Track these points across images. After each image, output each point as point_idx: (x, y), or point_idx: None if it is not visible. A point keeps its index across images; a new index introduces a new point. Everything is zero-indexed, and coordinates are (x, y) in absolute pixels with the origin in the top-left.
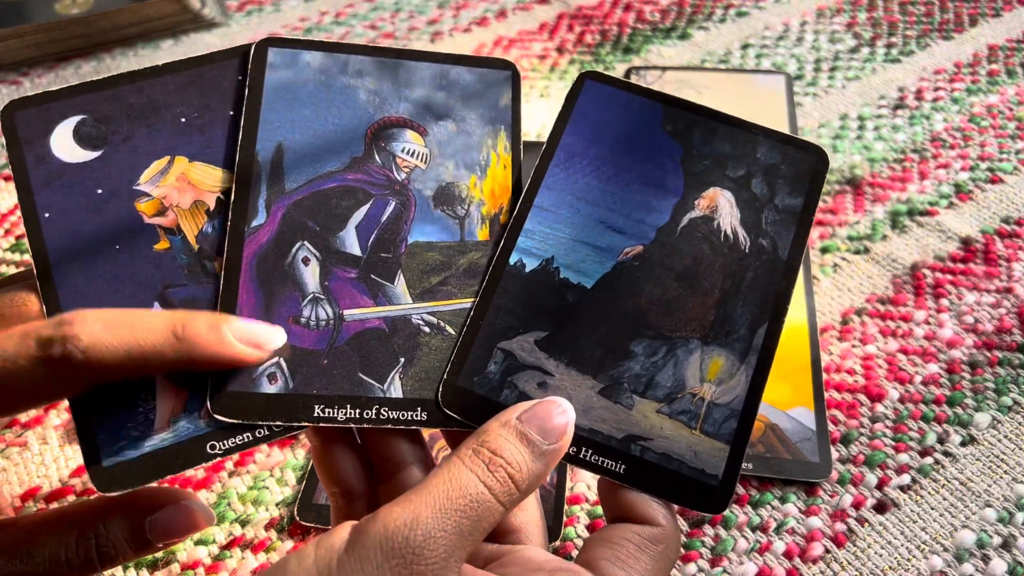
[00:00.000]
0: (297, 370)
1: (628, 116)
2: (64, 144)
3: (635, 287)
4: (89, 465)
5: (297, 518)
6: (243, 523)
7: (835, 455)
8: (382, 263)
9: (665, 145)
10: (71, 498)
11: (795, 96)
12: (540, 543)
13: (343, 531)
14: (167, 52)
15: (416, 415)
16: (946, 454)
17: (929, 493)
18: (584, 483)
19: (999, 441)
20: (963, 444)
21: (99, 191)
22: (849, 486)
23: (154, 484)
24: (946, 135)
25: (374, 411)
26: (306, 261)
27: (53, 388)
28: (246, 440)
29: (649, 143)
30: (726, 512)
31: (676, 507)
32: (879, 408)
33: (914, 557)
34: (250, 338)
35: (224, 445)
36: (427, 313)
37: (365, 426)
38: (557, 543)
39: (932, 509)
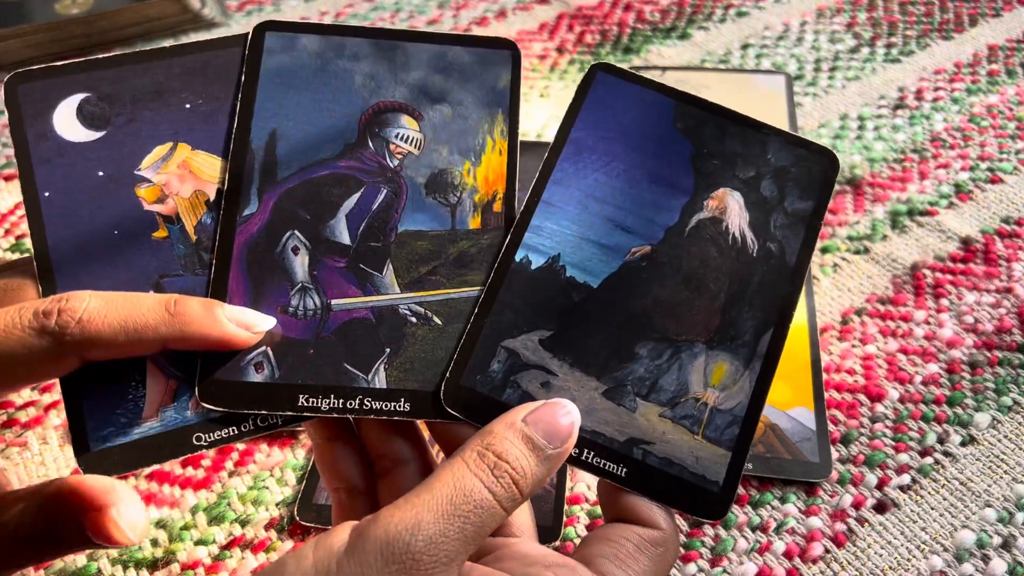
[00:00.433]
0: (283, 359)
1: (639, 111)
2: (67, 121)
3: (641, 288)
4: (76, 449)
5: (297, 518)
6: (243, 523)
7: (835, 455)
8: (371, 252)
9: (676, 142)
10: None
11: (795, 96)
12: (531, 536)
13: (343, 532)
14: None
15: (399, 406)
16: (946, 454)
17: (929, 493)
18: (584, 483)
19: (999, 441)
20: (963, 444)
21: (100, 173)
22: (849, 486)
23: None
24: (946, 135)
25: (357, 401)
26: (296, 250)
27: (49, 361)
28: (231, 433)
29: (660, 140)
30: None
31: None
32: (879, 408)
33: (914, 557)
34: (240, 319)
35: (210, 437)
36: (415, 303)
37: (348, 416)
38: (557, 543)
39: (932, 509)
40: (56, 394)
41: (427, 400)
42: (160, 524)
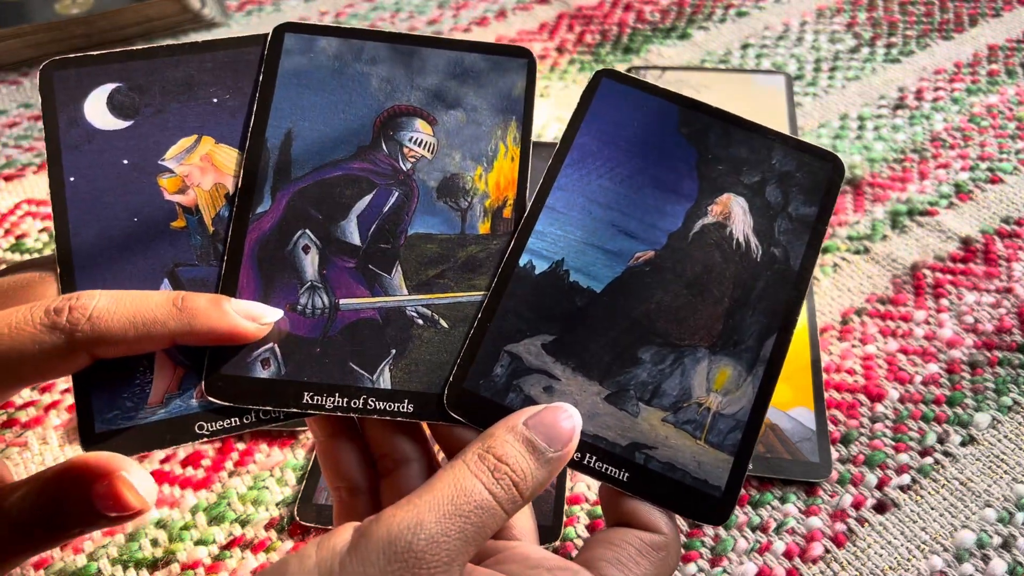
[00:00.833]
0: (290, 357)
1: (644, 117)
2: (97, 110)
3: (645, 293)
4: (82, 431)
5: (297, 518)
6: (243, 523)
7: (835, 455)
8: (381, 254)
9: (680, 148)
10: None
11: (795, 96)
12: (532, 539)
13: (345, 532)
14: None
15: (403, 407)
16: (946, 454)
17: (929, 493)
18: (584, 483)
19: (999, 441)
20: (963, 444)
21: (125, 161)
22: (849, 486)
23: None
24: (946, 135)
25: (361, 401)
26: (306, 249)
27: (60, 358)
28: (234, 424)
29: (664, 145)
30: None
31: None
32: (879, 408)
33: (914, 557)
34: (248, 311)
35: (212, 427)
36: (422, 305)
37: (352, 415)
38: (557, 543)
39: (932, 509)
40: (56, 394)
41: (430, 402)
42: (160, 524)
